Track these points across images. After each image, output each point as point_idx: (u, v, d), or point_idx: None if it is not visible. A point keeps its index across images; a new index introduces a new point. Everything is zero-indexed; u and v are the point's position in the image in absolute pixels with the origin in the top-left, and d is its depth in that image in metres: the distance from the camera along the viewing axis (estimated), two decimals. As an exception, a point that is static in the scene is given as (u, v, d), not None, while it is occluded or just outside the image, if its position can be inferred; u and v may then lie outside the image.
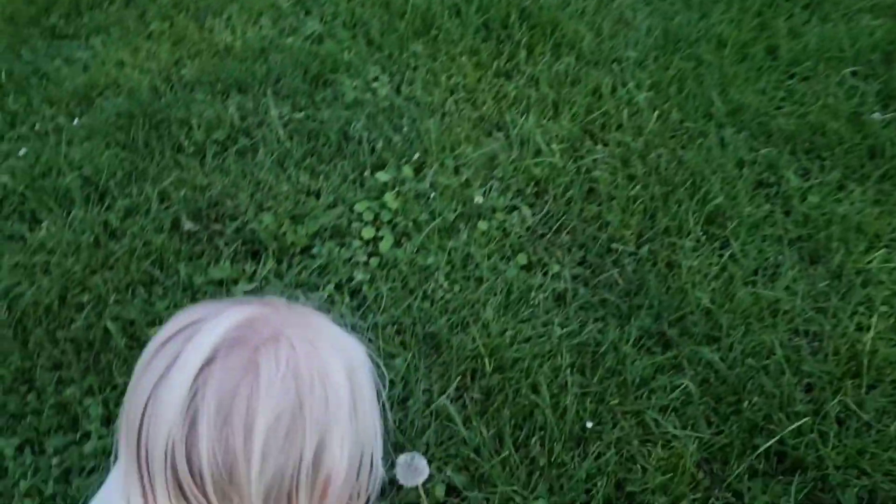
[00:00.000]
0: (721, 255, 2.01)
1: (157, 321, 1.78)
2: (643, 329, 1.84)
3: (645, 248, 2.00)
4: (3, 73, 2.44)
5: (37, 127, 2.27)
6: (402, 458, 1.23)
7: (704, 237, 2.05)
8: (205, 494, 0.63)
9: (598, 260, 2.00)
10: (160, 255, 1.91)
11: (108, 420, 1.62)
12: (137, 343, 1.75)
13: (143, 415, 0.63)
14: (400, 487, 1.46)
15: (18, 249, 1.94)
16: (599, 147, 2.25)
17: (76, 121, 2.29)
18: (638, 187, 2.14)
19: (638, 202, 2.09)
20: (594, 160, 2.21)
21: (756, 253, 2.01)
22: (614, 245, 2.01)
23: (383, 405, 0.76)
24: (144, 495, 0.64)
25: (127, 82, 2.43)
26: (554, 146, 2.22)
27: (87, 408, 1.63)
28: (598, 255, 2.00)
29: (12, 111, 2.33)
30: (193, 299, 1.81)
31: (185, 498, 0.63)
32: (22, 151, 2.18)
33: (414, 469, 1.23)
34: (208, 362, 0.62)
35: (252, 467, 0.62)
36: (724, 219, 2.08)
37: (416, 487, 1.29)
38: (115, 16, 2.69)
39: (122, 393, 1.53)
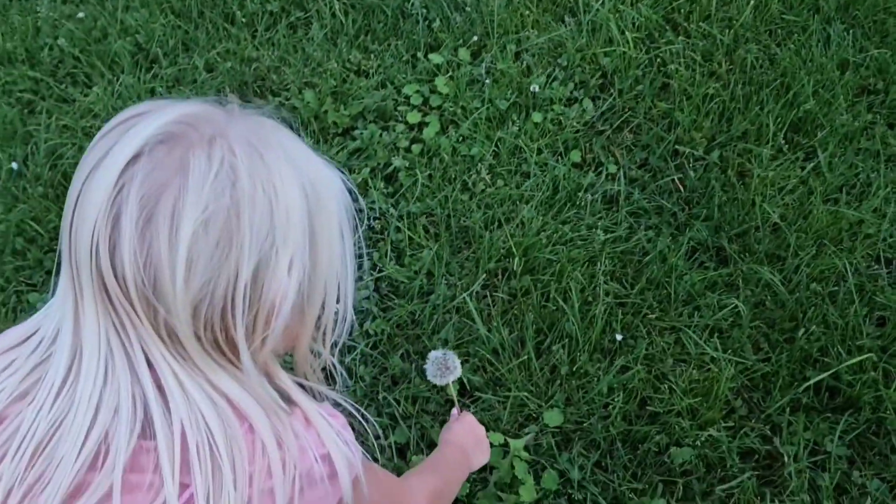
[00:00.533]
0: (803, 168, 1.78)
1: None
2: (699, 241, 1.67)
3: (715, 154, 1.79)
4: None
5: (96, -7, 2.24)
6: (433, 354, 1.16)
7: (787, 146, 1.81)
8: (131, 304, 0.57)
9: (661, 163, 1.81)
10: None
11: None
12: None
13: (73, 211, 0.58)
14: (432, 385, 1.39)
15: (67, 112, 1.94)
16: (680, 38, 2.01)
17: (134, -14, 2.24)
18: (718, 85, 1.90)
19: (714, 101, 1.87)
20: (672, 52, 1.98)
21: (845, 168, 1.76)
22: (681, 147, 1.81)
23: (360, 246, 0.71)
24: (75, 302, 0.60)
25: (188, -52, 2.34)
26: (628, 34, 2.00)
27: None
28: (662, 158, 1.81)
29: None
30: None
31: (113, 307, 0.58)
32: (80, 14, 2.16)
33: (445, 367, 1.15)
34: (137, 156, 0.56)
35: (177, 274, 0.56)
36: (814, 127, 1.83)
37: (444, 386, 1.23)
38: None
39: None
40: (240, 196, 0.57)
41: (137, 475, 0.59)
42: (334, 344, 0.72)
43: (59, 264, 0.62)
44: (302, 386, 0.70)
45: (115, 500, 0.57)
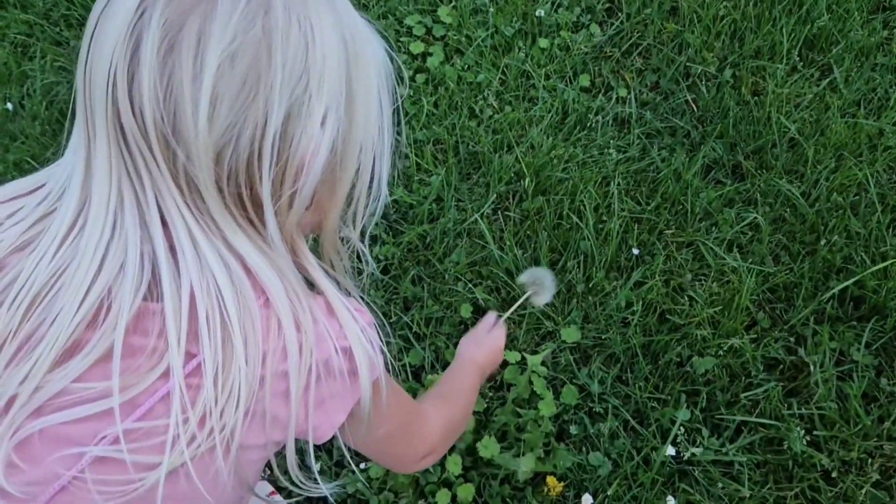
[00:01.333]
0: (819, 84, 1.73)
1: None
2: (714, 159, 1.62)
3: (728, 73, 1.74)
4: None
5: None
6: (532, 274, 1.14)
7: (801, 63, 1.76)
8: (148, 145, 0.52)
9: (673, 85, 1.76)
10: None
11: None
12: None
13: (90, 43, 0.52)
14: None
15: (62, 54, 1.90)
16: (689, -40, 1.96)
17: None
18: (728, 5, 1.85)
19: (725, 20, 1.82)
20: (680, -26, 1.92)
21: (861, 83, 1.71)
22: (693, 66, 1.76)
23: (397, 116, 0.65)
24: (87, 149, 0.54)
25: None
26: (635, -42, 1.94)
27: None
28: (673, 80, 1.77)
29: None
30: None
31: (129, 149, 0.53)
32: None
33: (542, 286, 1.11)
34: None
35: (199, 111, 0.51)
36: (829, 43, 1.78)
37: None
38: None
39: None
40: (272, 28, 0.52)
41: (140, 338, 0.54)
42: (362, 233, 0.67)
43: (73, 115, 0.56)
44: (329, 276, 0.65)
45: (114, 362, 0.53)
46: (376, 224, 1.54)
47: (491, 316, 1.10)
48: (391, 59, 0.63)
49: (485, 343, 1.05)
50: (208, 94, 0.51)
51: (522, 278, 1.16)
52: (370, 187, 0.63)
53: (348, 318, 0.61)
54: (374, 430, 0.70)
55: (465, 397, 0.96)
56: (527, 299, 1.14)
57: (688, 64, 1.77)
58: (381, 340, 0.64)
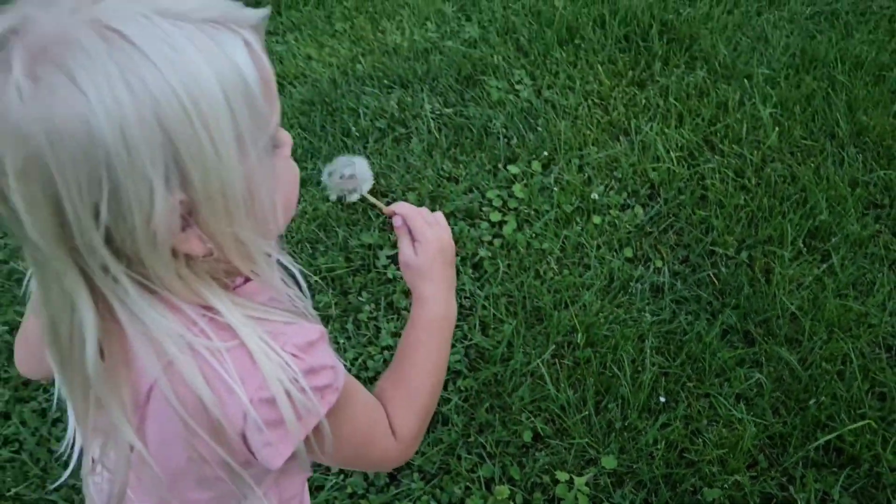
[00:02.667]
0: (819, 267, 2.15)
1: (317, 272, 2.20)
2: (729, 325, 2.04)
3: (744, 254, 2.18)
4: (217, 61, 2.98)
5: (239, 107, 2.78)
6: (331, 167, 0.99)
7: (805, 249, 2.19)
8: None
9: (699, 260, 2.20)
10: (325, 219, 2.34)
11: (274, 345, 2.07)
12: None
13: None
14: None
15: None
16: (716, 157, 2.44)
17: (269, 104, 2.78)
18: (747, 197, 2.31)
19: (744, 210, 2.27)
20: (709, 168, 2.40)
21: (854, 269, 2.13)
22: (716, 248, 2.21)
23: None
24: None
25: (312, 74, 2.90)
26: (672, 153, 2.43)
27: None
28: (700, 256, 2.21)
29: (221, 93, 2.86)
30: (347, 259, 2.22)
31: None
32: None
33: (350, 177, 0.98)
34: None
35: (26, 226, 0.58)
36: (828, 234, 2.21)
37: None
38: (307, 16, 3.17)
39: None
40: (50, 131, 0.54)
41: None
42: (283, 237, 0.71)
43: None
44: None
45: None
46: (458, 361, 1.98)
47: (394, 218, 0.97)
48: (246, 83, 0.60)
49: (424, 264, 0.93)
50: (24, 210, 0.57)
51: (342, 172, 1.01)
52: (254, 206, 0.64)
53: (273, 367, 0.65)
54: (337, 452, 0.73)
55: (427, 376, 0.89)
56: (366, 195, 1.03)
57: (712, 245, 2.22)
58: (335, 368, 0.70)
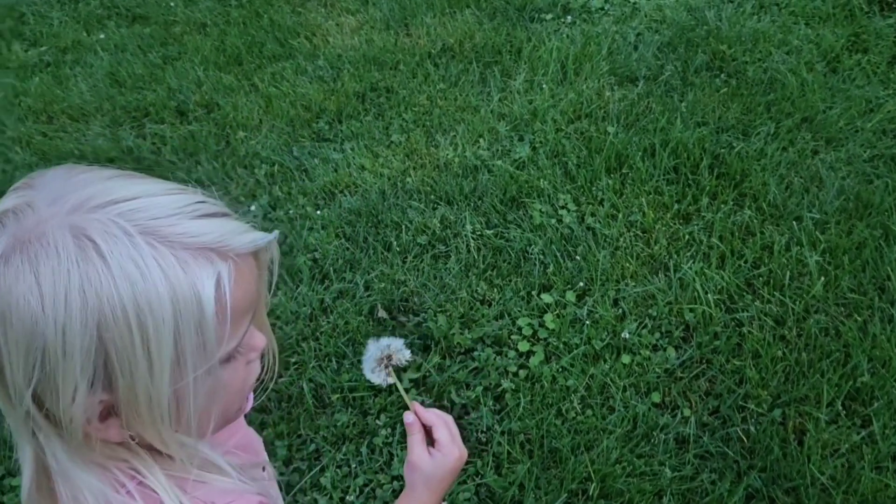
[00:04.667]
0: (859, 433, 2.04)
1: (341, 390, 2.22)
2: (755, 489, 1.94)
3: (777, 412, 2.09)
4: (277, 165, 3.12)
5: (290, 212, 2.89)
6: (373, 347, 1.03)
7: (844, 413, 2.09)
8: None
9: (730, 413, 2.12)
10: (354, 334, 2.38)
11: (290, 461, 2.08)
12: (322, 404, 2.21)
13: None
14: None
15: (256, 310, 2.51)
16: (756, 303, 2.37)
17: (318, 212, 2.87)
18: (785, 350, 2.23)
19: (781, 363, 2.19)
20: (748, 315, 2.33)
21: (896, 439, 2.01)
22: (748, 402, 2.12)
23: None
24: None
25: (363, 184, 2.99)
26: (711, 295, 2.38)
27: (275, 448, 2.09)
28: (731, 409, 2.13)
29: (276, 197, 2.98)
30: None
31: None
32: (274, 234, 2.79)
33: (387, 359, 1.02)
34: None
35: None
36: (869, 397, 2.10)
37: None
38: (366, 126, 3.31)
39: (304, 442, 1.94)
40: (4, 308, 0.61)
41: None
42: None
43: None
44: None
45: None
46: (468, 500, 1.94)
47: (409, 418, 1.00)
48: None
49: (436, 475, 0.97)
50: None
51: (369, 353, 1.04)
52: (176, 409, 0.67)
53: None
54: None
55: None
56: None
57: (745, 398, 2.14)
58: None
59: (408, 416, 1.00)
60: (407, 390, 2.21)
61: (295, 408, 2.21)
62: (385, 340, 1.04)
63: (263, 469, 0.92)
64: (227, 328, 0.67)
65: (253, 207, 2.96)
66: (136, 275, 0.61)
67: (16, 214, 0.63)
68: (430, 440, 1.00)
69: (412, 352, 1.09)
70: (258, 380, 0.83)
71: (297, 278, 2.62)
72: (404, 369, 1.03)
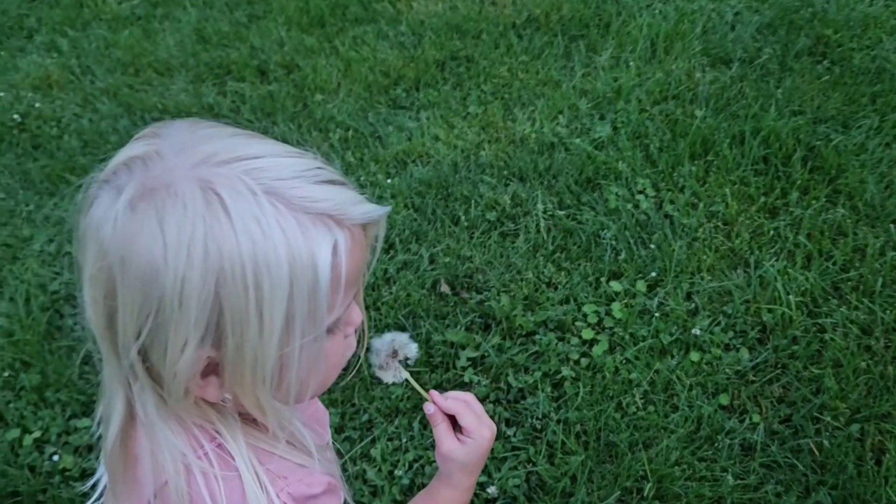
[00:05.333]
0: (944, 458, 1.89)
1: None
2: (823, 507, 1.83)
3: (855, 427, 1.95)
4: (351, 131, 3.10)
5: (361, 179, 2.87)
6: (379, 343, 0.98)
7: (930, 434, 1.94)
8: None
9: (803, 423, 2.00)
10: (414, 307, 2.34)
11: (341, 429, 2.07)
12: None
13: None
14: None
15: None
16: (842, 309, 2.22)
17: (389, 180, 2.84)
18: (870, 361, 2.08)
19: (864, 376, 2.04)
20: (832, 321, 2.19)
21: None
22: (824, 414, 2.00)
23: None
24: None
25: (436, 154, 2.94)
26: (793, 296, 2.24)
27: (329, 415, 2.09)
28: (804, 418, 2.00)
29: (348, 162, 2.96)
30: (427, 354, 2.20)
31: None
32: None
33: (394, 356, 0.98)
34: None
35: (88, 316, 0.67)
36: (962, 422, 1.94)
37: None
38: (444, 95, 3.24)
39: (357, 411, 1.91)
40: (114, 261, 0.62)
41: None
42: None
43: None
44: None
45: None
46: (517, 487, 1.90)
47: (430, 408, 0.95)
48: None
49: (472, 461, 0.95)
50: (87, 302, 0.66)
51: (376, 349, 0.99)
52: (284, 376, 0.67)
53: None
54: None
55: None
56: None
57: (821, 409, 2.01)
58: None
59: (428, 407, 0.95)
60: (464, 368, 2.17)
61: (353, 376, 2.20)
62: (389, 336, 0.99)
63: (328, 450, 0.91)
64: (339, 297, 0.66)
65: (325, 171, 2.95)
66: (259, 234, 0.61)
67: (144, 162, 0.63)
68: (456, 425, 0.96)
69: (419, 347, 1.09)
70: (354, 355, 0.82)
71: (362, 246, 2.59)
72: (411, 362, 0.90)
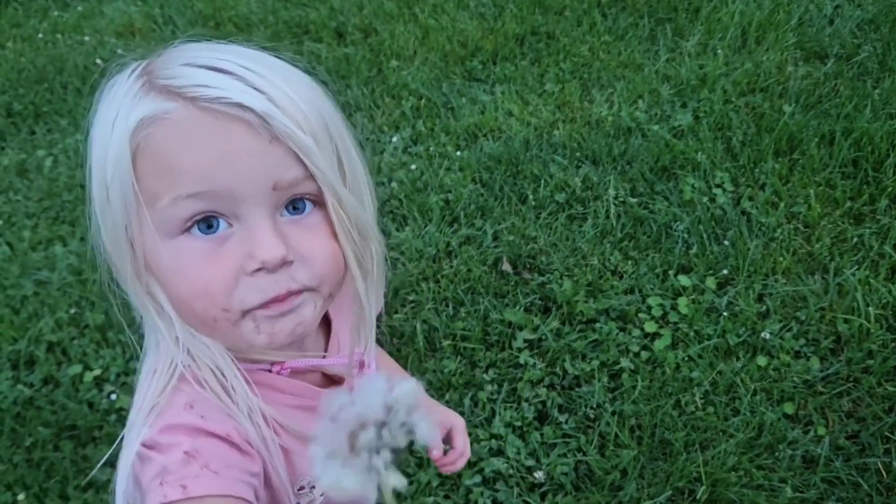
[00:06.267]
0: None
1: (453, 337, 2.17)
2: (887, 531, 1.74)
3: (929, 451, 1.85)
4: (424, 99, 3.06)
5: (430, 149, 2.83)
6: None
7: None
8: None
9: (871, 441, 1.90)
10: (474, 283, 2.31)
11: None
12: (433, 348, 2.17)
13: None
14: None
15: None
16: (926, 327, 2.10)
17: (458, 152, 2.80)
18: (952, 384, 1.96)
19: (943, 400, 1.93)
20: (913, 338, 2.07)
21: None
22: (895, 435, 1.90)
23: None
24: None
25: (508, 130, 2.88)
26: (872, 308, 2.13)
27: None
28: (873, 437, 1.91)
29: (418, 131, 2.93)
30: (484, 331, 2.17)
31: None
32: (413, 166, 2.76)
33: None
34: None
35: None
36: None
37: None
38: (521, 70, 3.17)
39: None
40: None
41: None
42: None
43: None
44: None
45: None
46: (566, 474, 1.86)
47: None
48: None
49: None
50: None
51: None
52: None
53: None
54: None
55: None
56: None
57: (892, 428, 1.91)
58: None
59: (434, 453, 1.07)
60: (520, 350, 2.13)
61: (405, 346, 2.18)
62: (377, 383, 0.48)
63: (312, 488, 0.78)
64: (169, 183, 0.62)
65: (394, 139, 2.93)
66: (102, 111, 0.65)
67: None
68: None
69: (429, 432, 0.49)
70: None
71: (427, 217, 2.57)
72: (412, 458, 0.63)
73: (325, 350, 0.82)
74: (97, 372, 2.15)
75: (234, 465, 0.64)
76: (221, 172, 0.61)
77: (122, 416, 2.04)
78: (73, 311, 2.32)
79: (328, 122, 0.67)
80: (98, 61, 3.44)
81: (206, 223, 0.63)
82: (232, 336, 0.67)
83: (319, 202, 0.67)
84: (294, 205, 0.66)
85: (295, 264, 0.65)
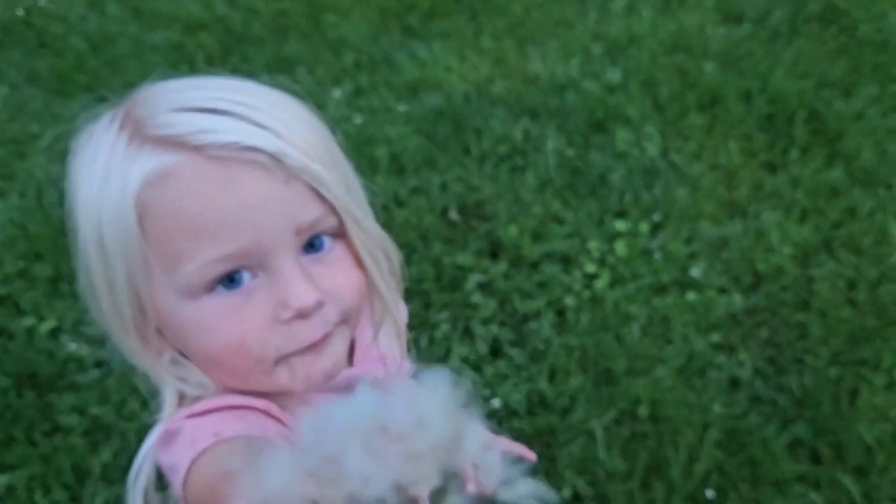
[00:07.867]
0: (912, 403, 2.05)
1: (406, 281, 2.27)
2: (799, 438, 1.97)
3: (834, 370, 2.10)
4: (364, 55, 3.11)
5: (374, 104, 2.90)
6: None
7: (901, 381, 2.09)
8: None
9: (787, 363, 2.14)
10: (425, 231, 2.42)
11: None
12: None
13: None
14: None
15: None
16: (831, 263, 2.35)
17: (402, 108, 2.88)
18: (852, 313, 2.22)
19: (845, 325, 2.18)
20: (821, 274, 2.32)
21: (950, 414, 2.02)
22: (806, 356, 2.14)
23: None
24: None
25: (447, 86, 2.98)
26: (786, 249, 2.36)
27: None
28: (788, 360, 2.14)
29: (360, 86, 2.99)
30: (437, 277, 2.29)
31: None
32: (358, 120, 2.82)
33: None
34: None
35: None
36: (930, 370, 2.10)
37: None
38: (458, 26, 3.26)
39: None
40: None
41: None
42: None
43: None
44: None
45: None
46: (518, 400, 2.01)
47: None
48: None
49: None
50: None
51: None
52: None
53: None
54: None
55: None
56: None
57: (803, 352, 2.15)
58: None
59: None
60: (471, 292, 2.27)
61: (362, 291, 2.27)
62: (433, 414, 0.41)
63: None
64: (194, 244, 0.59)
65: (337, 94, 2.97)
66: (84, 168, 0.63)
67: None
68: None
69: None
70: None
71: (374, 169, 2.65)
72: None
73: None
74: (52, 323, 2.15)
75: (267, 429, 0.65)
76: (245, 227, 0.59)
77: (82, 364, 2.06)
78: (21, 264, 2.29)
79: (328, 143, 0.66)
80: (20, 12, 3.31)
81: (230, 278, 0.61)
82: (267, 384, 0.65)
83: (337, 234, 0.66)
84: (311, 243, 0.64)
85: (325, 304, 0.64)
